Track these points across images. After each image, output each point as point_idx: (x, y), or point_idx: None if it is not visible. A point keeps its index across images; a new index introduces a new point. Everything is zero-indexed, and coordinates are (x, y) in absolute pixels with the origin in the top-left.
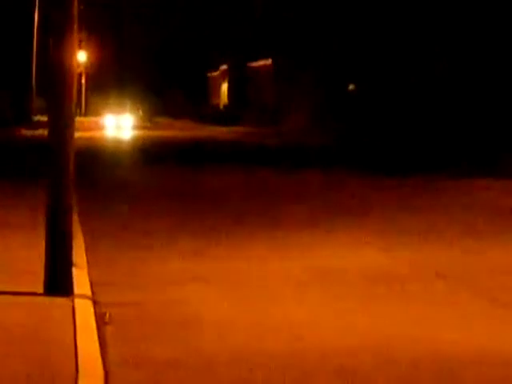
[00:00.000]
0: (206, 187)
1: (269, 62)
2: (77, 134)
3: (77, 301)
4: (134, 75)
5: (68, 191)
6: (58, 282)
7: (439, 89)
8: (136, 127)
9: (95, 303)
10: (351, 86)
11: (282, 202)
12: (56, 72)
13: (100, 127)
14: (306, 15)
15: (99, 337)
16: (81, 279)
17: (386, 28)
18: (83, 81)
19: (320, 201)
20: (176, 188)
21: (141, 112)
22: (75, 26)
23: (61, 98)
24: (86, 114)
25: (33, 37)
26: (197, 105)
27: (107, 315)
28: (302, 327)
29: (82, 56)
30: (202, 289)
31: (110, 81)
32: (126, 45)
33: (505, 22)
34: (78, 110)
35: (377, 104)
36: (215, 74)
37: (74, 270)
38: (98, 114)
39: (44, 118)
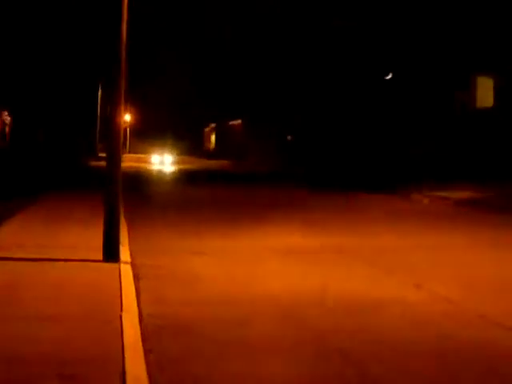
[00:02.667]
0: (202, 194)
1: (239, 121)
2: (131, 164)
3: (122, 265)
4: (160, 130)
5: (117, 198)
6: (110, 253)
7: (350, 137)
8: (169, 163)
9: (133, 266)
10: (289, 137)
11: (242, 204)
12: (110, 127)
13: (143, 160)
14: (262, 92)
15: (135, 286)
16: (125, 251)
17: (313, 99)
18: (128, 131)
19: (273, 203)
20: (188, 196)
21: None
22: (122, 99)
23: (113, 143)
24: (129, 152)
25: (97, 105)
26: (196, 148)
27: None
28: (260, 281)
29: (127, 117)
30: (203, 258)
31: (146, 132)
32: (155, 110)
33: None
34: (124, 149)
35: (306, 147)
36: (207, 129)
37: (121, 246)
38: (137, 152)
39: (104, 154)
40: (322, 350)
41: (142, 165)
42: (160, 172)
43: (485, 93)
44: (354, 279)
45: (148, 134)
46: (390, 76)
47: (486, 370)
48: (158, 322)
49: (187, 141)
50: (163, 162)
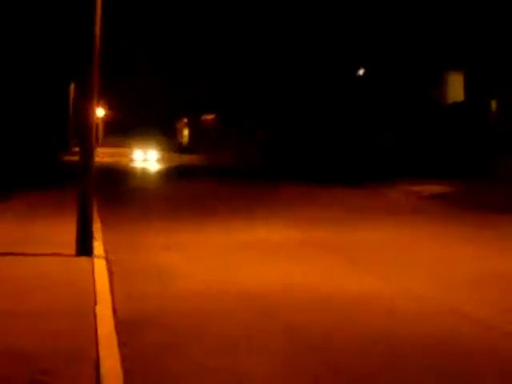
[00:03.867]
0: (174, 190)
1: (213, 116)
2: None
3: (95, 259)
4: (132, 125)
5: (90, 192)
6: (84, 248)
7: (322, 133)
8: (153, 160)
9: (106, 260)
10: (261, 132)
11: (216, 200)
12: (83, 122)
13: (119, 155)
14: (233, 87)
15: (109, 280)
16: (98, 246)
17: (286, 95)
18: (100, 126)
19: (242, 198)
20: (162, 191)
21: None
22: (95, 95)
23: (85, 137)
24: (101, 146)
25: (69, 101)
26: (170, 142)
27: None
28: (234, 275)
29: (100, 112)
30: (178, 253)
31: (119, 125)
32: (129, 104)
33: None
34: (97, 144)
35: (276, 143)
36: (181, 123)
37: (94, 241)
38: (110, 145)
39: (77, 149)
40: (296, 345)
41: (119, 160)
42: (142, 170)
43: (455, 88)
44: (328, 274)
45: (121, 127)
46: (361, 72)
47: (458, 365)
48: (132, 316)
49: (160, 135)
50: (147, 158)
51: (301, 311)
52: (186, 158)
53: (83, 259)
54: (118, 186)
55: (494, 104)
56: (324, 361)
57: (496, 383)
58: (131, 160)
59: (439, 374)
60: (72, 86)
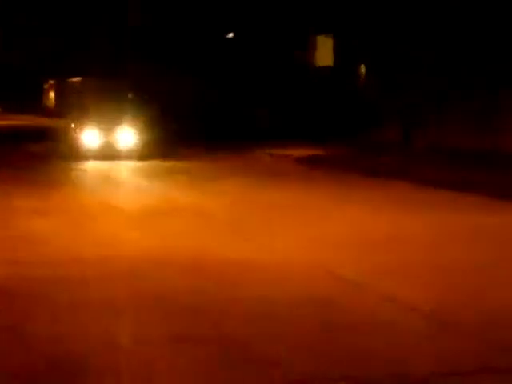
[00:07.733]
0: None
1: (79, 79)
2: None
3: None
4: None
5: None
6: None
7: (191, 96)
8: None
9: None
10: (130, 95)
11: None
12: None
13: None
14: (99, 48)
15: None
16: None
17: (153, 57)
18: None
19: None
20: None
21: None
22: None
23: None
24: None
25: None
26: (36, 105)
27: None
28: (107, 241)
29: None
30: (41, 218)
31: None
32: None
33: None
34: None
35: (146, 104)
36: (46, 86)
37: None
38: None
39: None
40: (173, 308)
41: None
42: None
43: (325, 52)
44: (198, 237)
45: None
46: (231, 35)
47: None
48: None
49: (23, 97)
50: (115, 147)
51: (183, 278)
52: (54, 122)
53: None
54: None
55: (362, 68)
56: (189, 326)
57: (364, 334)
58: (74, 154)
59: (312, 328)
60: None
